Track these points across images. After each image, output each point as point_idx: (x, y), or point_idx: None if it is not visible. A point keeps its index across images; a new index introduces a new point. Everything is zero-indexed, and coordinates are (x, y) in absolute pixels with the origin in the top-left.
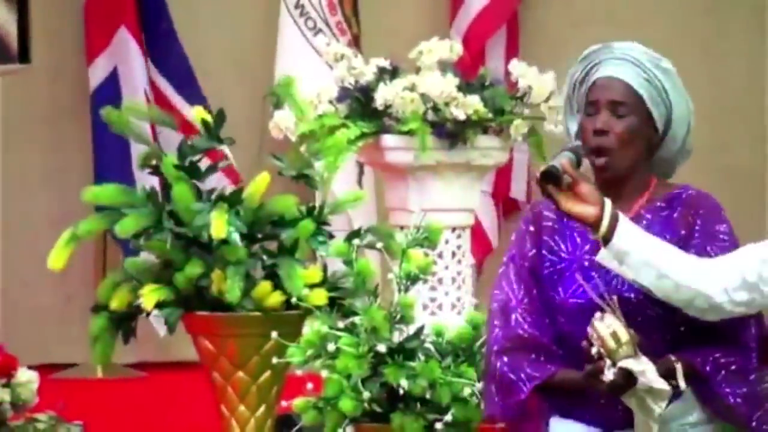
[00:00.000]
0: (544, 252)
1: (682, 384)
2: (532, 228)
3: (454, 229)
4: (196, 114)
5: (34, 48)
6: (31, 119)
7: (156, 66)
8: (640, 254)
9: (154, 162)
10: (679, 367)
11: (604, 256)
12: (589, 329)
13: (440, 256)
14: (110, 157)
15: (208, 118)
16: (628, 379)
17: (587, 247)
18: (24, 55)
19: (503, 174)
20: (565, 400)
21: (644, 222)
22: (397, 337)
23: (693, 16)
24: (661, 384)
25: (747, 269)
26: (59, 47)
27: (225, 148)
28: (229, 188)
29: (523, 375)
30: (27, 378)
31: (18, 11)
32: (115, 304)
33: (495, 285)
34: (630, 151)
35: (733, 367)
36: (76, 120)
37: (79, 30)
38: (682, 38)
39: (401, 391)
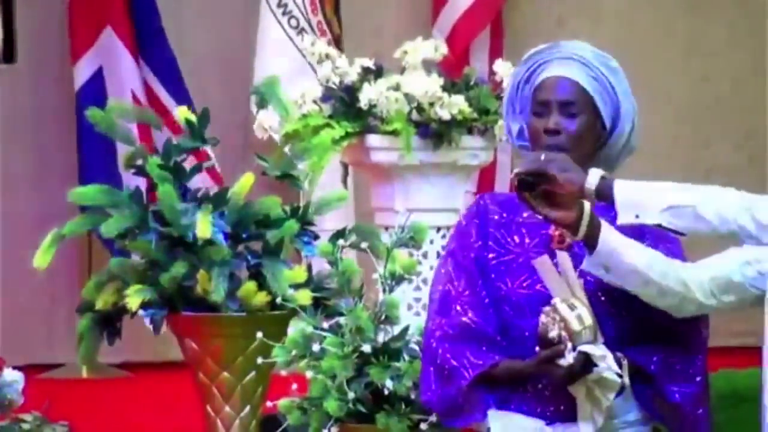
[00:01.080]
0: (490, 243)
1: (626, 380)
2: (476, 220)
3: (438, 229)
4: (180, 114)
5: (18, 48)
6: (15, 119)
7: (147, 65)
8: (626, 261)
9: (139, 162)
10: (625, 363)
11: (589, 265)
12: (542, 316)
13: (425, 256)
14: (95, 158)
15: (193, 118)
16: (585, 365)
17: (536, 240)
18: (9, 55)
19: (487, 174)
20: (505, 391)
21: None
22: (381, 338)
23: (677, 15)
24: (615, 374)
25: (732, 272)
26: (43, 47)
27: (209, 149)
28: (213, 189)
29: (466, 362)
30: (12, 378)
31: (3, 11)
32: (100, 305)
33: (434, 279)
34: (582, 150)
35: (679, 367)
36: (60, 120)
37: (64, 30)
38: (667, 36)
39: (386, 392)
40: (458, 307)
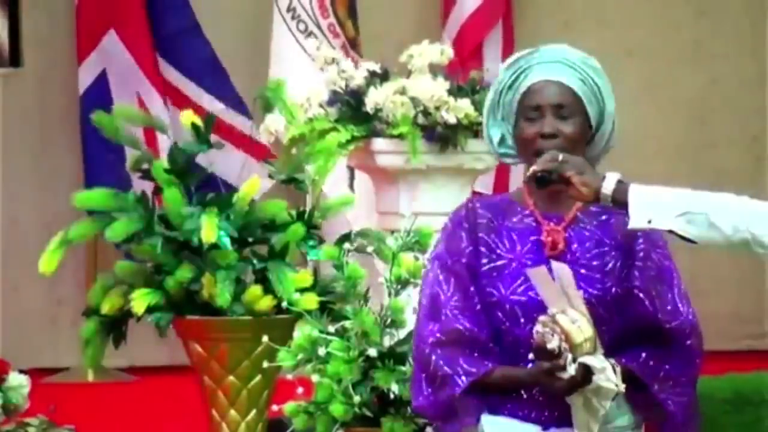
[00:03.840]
0: (481, 248)
1: (621, 387)
2: (466, 224)
3: None
4: (185, 118)
5: (24, 52)
6: (21, 123)
7: (171, 63)
8: (666, 203)
9: (145, 166)
10: (618, 369)
11: (633, 221)
12: (538, 326)
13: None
14: (100, 161)
15: (198, 121)
16: (585, 376)
17: (528, 246)
18: (15, 59)
19: (501, 177)
20: (497, 397)
21: (581, 225)
22: (387, 342)
23: (684, 18)
24: (615, 384)
25: None
26: (49, 51)
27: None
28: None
29: (459, 369)
30: (18, 382)
31: (9, 15)
32: (106, 309)
33: (422, 282)
34: (577, 153)
35: (671, 375)
36: (66, 124)
37: (70, 34)
38: (674, 39)
39: (392, 396)
40: (448, 312)
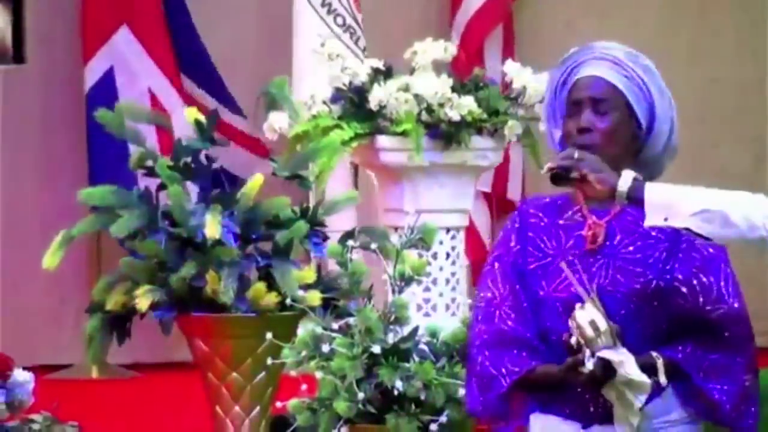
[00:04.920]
0: (529, 248)
1: (663, 380)
2: (517, 225)
3: (448, 230)
4: (188, 115)
5: (28, 49)
6: (25, 120)
7: (181, 64)
8: (682, 202)
9: (149, 163)
10: (660, 363)
11: (649, 219)
12: (570, 321)
13: (434, 257)
14: (104, 158)
15: (201, 118)
16: (606, 370)
17: (572, 242)
18: (19, 56)
19: (500, 174)
20: (545, 395)
21: (630, 218)
22: (391, 338)
23: (685, 16)
24: (640, 376)
25: None
26: (53, 48)
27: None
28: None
29: (503, 369)
30: (23, 379)
31: (13, 11)
32: (110, 305)
33: (480, 283)
34: (613, 148)
35: (718, 364)
36: (70, 121)
37: (74, 31)
38: (675, 38)
39: (396, 392)
40: (501, 313)
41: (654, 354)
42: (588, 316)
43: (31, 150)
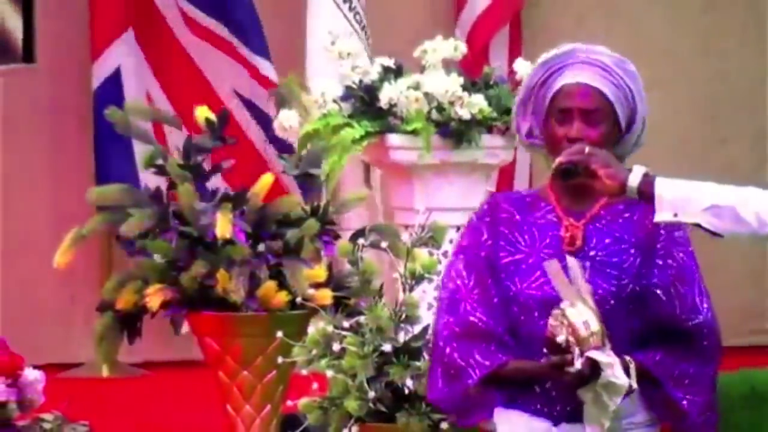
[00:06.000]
0: (501, 242)
1: (634, 384)
2: (488, 219)
3: (458, 229)
4: (199, 114)
5: (38, 49)
6: (34, 118)
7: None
8: (692, 198)
9: (159, 162)
10: (632, 366)
11: (659, 215)
12: (551, 319)
13: (445, 255)
14: (112, 157)
15: (212, 117)
16: (593, 371)
17: (547, 241)
18: (28, 55)
19: (506, 173)
20: (511, 390)
21: (604, 221)
22: (402, 337)
23: (693, 13)
24: (624, 380)
25: None
26: (63, 47)
27: None
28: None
29: (473, 362)
30: (33, 377)
31: (23, 11)
32: (120, 304)
33: (444, 276)
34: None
35: (688, 374)
36: (79, 120)
37: (83, 30)
38: (683, 35)
39: (406, 391)
40: (467, 306)
41: (627, 357)
42: (581, 315)
43: (41, 149)
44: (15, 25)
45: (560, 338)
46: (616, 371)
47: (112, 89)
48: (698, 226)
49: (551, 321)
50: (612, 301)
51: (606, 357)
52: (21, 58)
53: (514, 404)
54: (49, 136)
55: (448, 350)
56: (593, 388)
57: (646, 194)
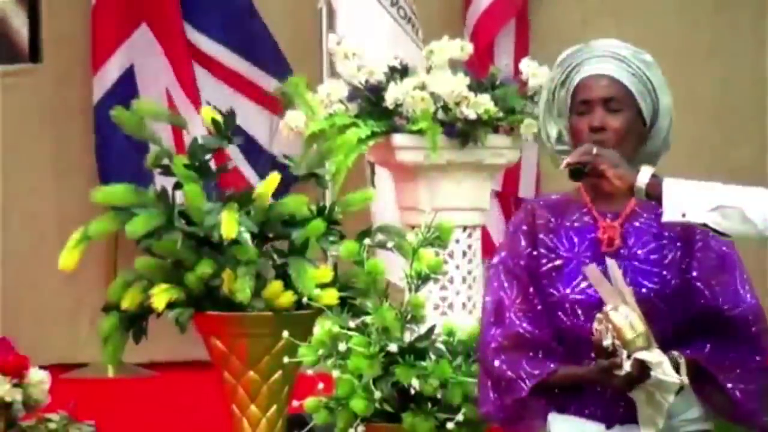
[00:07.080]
0: (541, 250)
1: (685, 379)
2: (525, 227)
3: (464, 229)
4: (205, 113)
5: (44, 48)
6: (38, 119)
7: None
8: (700, 198)
9: (165, 162)
10: (682, 362)
11: (667, 215)
12: (595, 323)
13: (451, 255)
14: (115, 158)
15: (218, 117)
16: (642, 371)
17: (586, 244)
18: (35, 55)
19: (512, 173)
20: (564, 396)
21: (641, 219)
22: (408, 337)
23: (701, 14)
24: (675, 378)
25: None
26: (69, 47)
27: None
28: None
29: (522, 373)
30: (39, 378)
31: (29, 11)
32: (126, 304)
33: (486, 287)
34: (626, 146)
35: (739, 363)
36: (84, 119)
37: (90, 30)
38: (691, 36)
39: (412, 391)
40: (512, 316)
41: (675, 353)
42: (625, 318)
43: (47, 149)
44: (21, 24)
45: (606, 342)
46: (665, 369)
47: (123, 89)
48: (705, 226)
49: (596, 325)
50: (656, 298)
51: (654, 356)
52: (27, 58)
53: (567, 409)
54: (56, 135)
55: (496, 363)
56: (645, 388)
57: (654, 195)
